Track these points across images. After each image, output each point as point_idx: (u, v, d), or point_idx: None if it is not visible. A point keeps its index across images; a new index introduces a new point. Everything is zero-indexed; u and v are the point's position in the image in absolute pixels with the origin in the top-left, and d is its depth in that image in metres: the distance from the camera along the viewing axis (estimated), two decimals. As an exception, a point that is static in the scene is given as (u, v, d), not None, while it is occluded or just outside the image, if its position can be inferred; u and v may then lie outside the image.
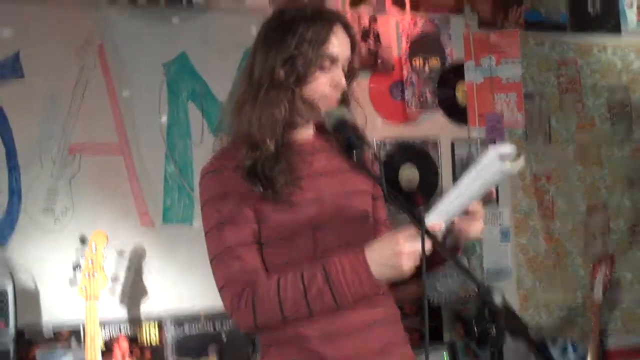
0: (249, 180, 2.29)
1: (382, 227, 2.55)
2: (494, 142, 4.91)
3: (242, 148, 2.32)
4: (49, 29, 4.09)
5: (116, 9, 4.23)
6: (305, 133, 2.45)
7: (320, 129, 2.46)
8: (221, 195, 2.32)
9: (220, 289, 2.32)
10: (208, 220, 2.37)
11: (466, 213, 2.28)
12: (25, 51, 4.05)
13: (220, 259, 2.32)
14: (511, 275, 4.94)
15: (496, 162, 2.07)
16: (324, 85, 2.34)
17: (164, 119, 4.29)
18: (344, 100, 2.44)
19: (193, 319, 4.20)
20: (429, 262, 2.12)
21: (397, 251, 2.14)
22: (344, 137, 2.30)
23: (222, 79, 4.34)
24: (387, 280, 2.23)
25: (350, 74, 2.44)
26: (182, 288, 4.20)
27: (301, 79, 2.32)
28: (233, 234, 2.30)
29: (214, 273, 2.36)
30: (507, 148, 2.08)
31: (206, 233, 2.38)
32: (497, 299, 1.93)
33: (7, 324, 3.64)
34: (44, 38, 4.08)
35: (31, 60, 4.05)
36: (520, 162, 2.11)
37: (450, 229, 2.30)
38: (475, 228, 2.31)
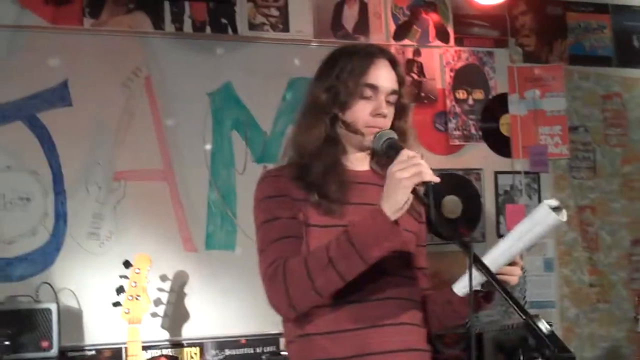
0: (303, 191, 2.38)
1: (421, 274, 2.56)
2: (538, 174, 4.91)
3: (295, 165, 2.45)
4: (97, 58, 4.20)
5: (163, 39, 4.31)
6: (360, 165, 2.52)
7: (375, 166, 2.54)
8: (276, 195, 2.41)
9: (263, 271, 2.36)
10: (260, 216, 2.44)
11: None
12: (74, 80, 4.16)
13: (266, 250, 2.38)
14: (555, 306, 4.88)
15: (549, 215, 2.11)
16: (364, 112, 2.41)
17: (208, 147, 4.34)
18: (402, 135, 2.48)
19: (234, 343, 4.22)
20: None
21: (391, 173, 2.16)
22: (394, 159, 2.28)
23: (265, 108, 4.44)
24: (401, 209, 2.17)
25: (401, 110, 2.51)
26: (224, 313, 4.22)
27: (342, 106, 2.42)
28: (281, 228, 2.37)
29: (260, 261, 2.40)
30: (554, 201, 2.13)
31: (258, 227, 2.44)
32: (544, 329, 1.93)
33: (51, 344, 3.67)
34: (92, 67, 4.19)
35: (79, 88, 4.16)
36: (565, 214, 2.14)
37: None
38: (514, 276, 2.32)
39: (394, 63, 2.49)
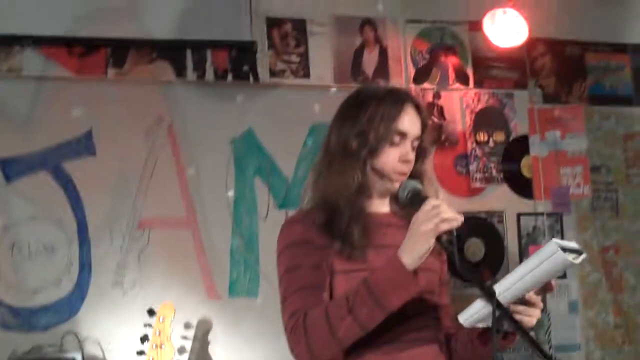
0: (327, 237, 2.38)
1: (444, 314, 2.56)
2: (561, 215, 4.90)
3: (319, 211, 2.43)
4: (120, 107, 4.26)
5: (185, 87, 4.36)
6: (381, 207, 2.53)
7: (395, 207, 2.55)
8: (299, 242, 2.41)
9: (286, 323, 2.36)
10: (283, 264, 2.44)
11: (524, 302, 2.30)
12: (98, 129, 4.21)
13: (289, 300, 2.38)
14: (580, 349, 4.85)
15: (558, 254, 2.12)
16: (393, 159, 2.43)
17: (231, 193, 4.37)
18: (420, 177, 2.52)
19: (258, 391, 4.22)
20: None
21: (415, 223, 2.20)
22: (418, 210, 2.31)
23: (288, 154, 4.47)
24: (421, 258, 2.20)
25: (421, 153, 2.54)
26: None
27: (372, 152, 2.43)
28: (304, 278, 2.37)
29: (282, 312, 2.40)
30: (570, 243, 2.17)
31: (281, 277, 2.44)
32: None
33: (76, 394, 3.70)
34: (116, 116, 4.24)
35: (103, 138, 4.21)
36: (581, 258, 2.17)
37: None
38: (530, 316, 2.31)
39: (419, 108, 2.51)
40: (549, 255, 2.14)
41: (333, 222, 2.39)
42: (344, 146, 2.45)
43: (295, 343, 2.32)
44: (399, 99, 2.49)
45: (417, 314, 2.38)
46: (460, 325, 2.33)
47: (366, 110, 2.45)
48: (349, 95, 2.58)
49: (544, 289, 2.30)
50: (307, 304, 2.33)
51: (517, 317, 2.28)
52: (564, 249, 2.13)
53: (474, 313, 2.26)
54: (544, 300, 2.36)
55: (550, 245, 2.14)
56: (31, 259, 4.04)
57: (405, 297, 2.22)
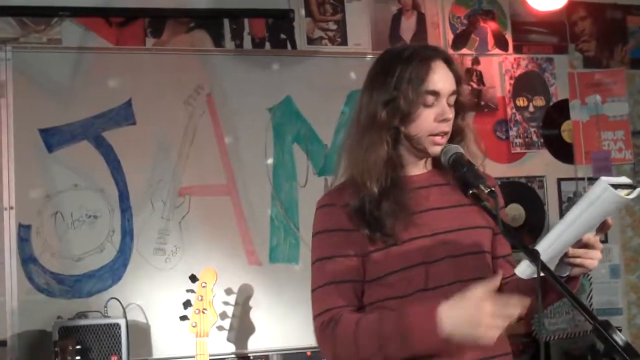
0: (357, 221, 2.33)
1: (503, 262, 2.52)
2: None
3: (349, 189, 2.37)
4: (159, 77, 4.28)
5: (223, 56, 4.38)
6: (420, 168, 2.47)
7: (437, 163, 2.46)
8: (329, 230, 2.38)
9: (314, 318, 2.37)
10: (315, 252, 2.42)
11: (583, 245, 2.22)
12: (137, 99, 4.24)
13: (318, 292, 2.37)
14: (622, 313, 4.81)
15: (609, 192, 2.01)
16: (429, 121, 2.34)
17: (270, 161, 4.39)
18: (460, 133, 2.44)
19: (299, 355, 4.25)
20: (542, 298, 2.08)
21: (476, 320, 2.05)
22: (460, 174, 2.29)
23: (326, 121, 4.47)
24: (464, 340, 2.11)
25: (460, 108, 2.44)
26: (288, 325, 4.26)
27: (405, 118, 2.35)
28: (333, 270, 2.35)
29: (312, 302, 2.40)
30: (620, 179, 2.05)
31: (312, 263, 2.42)
32: (617, 337, 1.88)
33: (120, 358, 3.73)
34: (155, 86, 4.27)
35: (143, 107, 4.24)
36: (636, 193, 2.04)
37: (566, 261, 2.26)
38: (591, 258, 2.23)
39: (449, 62, 2.41)
40: (599, 195, 2.03)
41: (364, 207, 2.33)
42: (372, 118, 2.37)
43: (322, 344, 2.33)
44: (425, 57, 2.37)
45: (471, 279, 2.26)
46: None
47: (392, 75, 2.36)
48: (375, 61, 2.49)
49: (602, 228, 2.21)
50: (335, 301, 2.31)
51: (578, 260, 2.22)
52: (615, 186, 2.01)
53: (526, 267, 2.17)
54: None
55: (599, 184, 2.02)
56: (74, 227, 4.09)
57: (433, 351, 2.15)
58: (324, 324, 2.30)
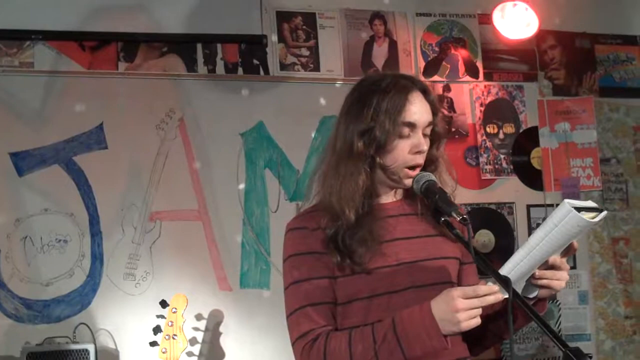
0: (329, 249, 2.34)
1: None
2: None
3: (324, 216, 2.37)
4: (131, 101, 4.28)
5: (196, 81, 4.38)
6: (391, 197, 2.48)
7: (407, 192, 2.48)
8: (302, 253, 2.38)
9: (293, 344, 2.37)
10: (288, 275, 2.41)
11: (549, 267, 2.26)
12: (109, 123, 4.24)
13: (296, 315, 2.36)
14: (590, 339, 4.84)
15: (572, 214, 2.02)
16: (404, 152, 2.35)
17: (242, 186, 4.39)
18: (434, 162, 2.46)
19: (269, 381, 4.24)
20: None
21: (453, 306, 2.11)
22: (433, 202, 2.29)
23: (298, 147, 4.49)
24: (448, 333, 2.17)
25: (435, 138, 2.44)
26: (259, 351, 4.25)
27: (380, 149, 2.35)
28: (309, 293, 2.35)
29: (288, 328, 2.39)
30: (585, 202, 2.07)
31: (286, 288, 2.42)
32: None
33: (88, 385, 3.72)
34: (127, 110, 4.27)
35: (115, 131, 4.24)
36: (601, 216, 2.06)
37: (532, 283, 2.29)
38: (558, 279, 2.27)
39: (426, 92, 2.41)
40: (562, 218, 2.05)
41: (338, 233, 2.33)
42: (349, 147, 2.37)
43: None
44: (402, 87, 2.38)
45: None
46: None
47: (370, 105, 2.35)
48: (352, 88, 2.49)
49: (567, 250, 2.24)
50: (316, 322, 2.31)
51: (545, 282, 2.25)
52: (580, 209, 2.02)
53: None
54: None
55: (562, 206, 2.04)
56: (44, 252, 4.07)
57: (430, 351, 2.19)
58: (307, 345, 2.29)
